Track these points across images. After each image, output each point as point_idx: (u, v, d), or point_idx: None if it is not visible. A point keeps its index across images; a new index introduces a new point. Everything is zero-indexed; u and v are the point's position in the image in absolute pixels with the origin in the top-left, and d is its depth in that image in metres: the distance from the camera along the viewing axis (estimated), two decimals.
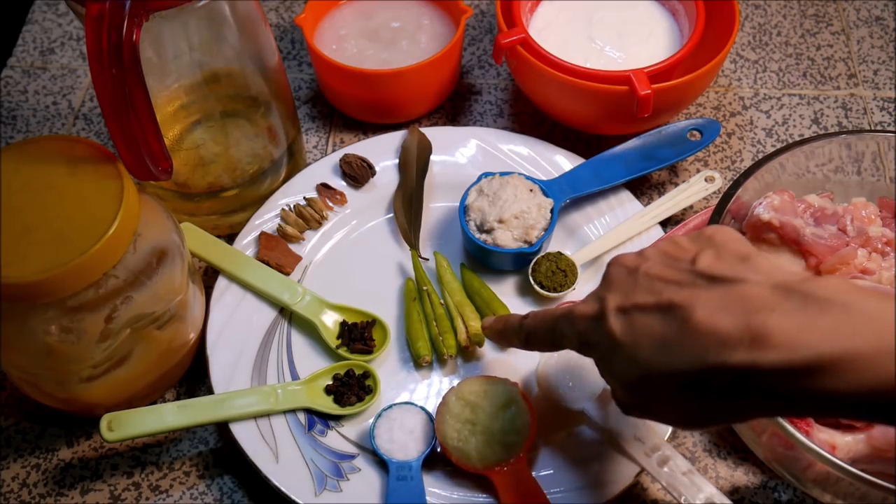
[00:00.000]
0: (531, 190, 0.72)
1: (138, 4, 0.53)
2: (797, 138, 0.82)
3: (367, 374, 0.67)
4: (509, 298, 0.72)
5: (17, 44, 0.92)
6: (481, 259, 0.74)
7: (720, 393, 0.43)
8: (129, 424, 0.61)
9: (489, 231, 0.70)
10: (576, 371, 0.66)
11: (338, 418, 0.66)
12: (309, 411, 0.66)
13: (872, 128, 0.85)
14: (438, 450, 0.63)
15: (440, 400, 0.64)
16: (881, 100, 0.87)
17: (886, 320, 0.40)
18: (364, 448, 0.65)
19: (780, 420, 0.55)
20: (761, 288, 0.43)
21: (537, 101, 0.81)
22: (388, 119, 0.84)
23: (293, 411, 0.65)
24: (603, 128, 0.81)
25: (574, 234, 0.75)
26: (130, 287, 0.58)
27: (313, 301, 0.70)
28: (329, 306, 0.70)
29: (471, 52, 0.91)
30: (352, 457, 0.64)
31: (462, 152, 0.79)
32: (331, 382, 0.67)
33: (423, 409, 0.65)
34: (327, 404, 0.66)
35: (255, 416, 0.64)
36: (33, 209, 0.55)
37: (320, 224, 0.75)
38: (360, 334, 0.69)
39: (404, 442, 0.63)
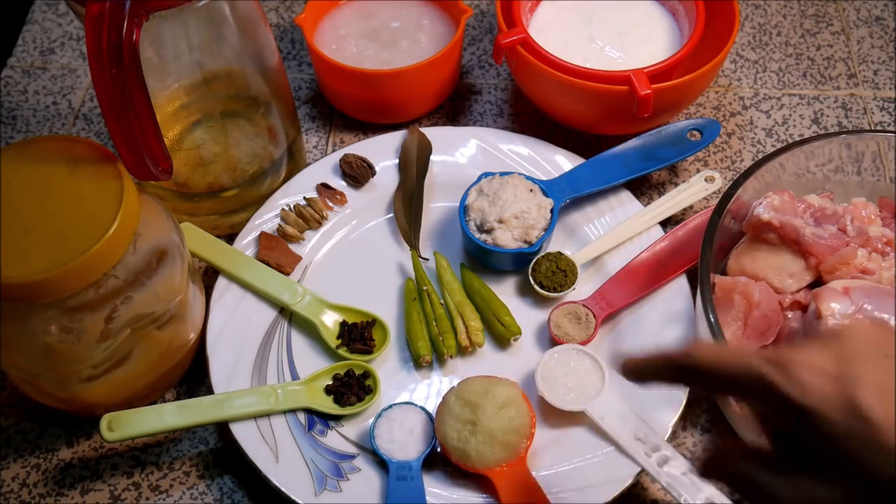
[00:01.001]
0: (531, 190, 0.72)
1: (138, 4, 0.53)
2: (797, 138, 0.82)
3: (367, 374, 0.67)
4: (509, 298, 0.72)
5: (17, 44, 0.92)
6: (481, 259, 0.74)
7: None
8: (129, 424, 0.61)
9: (489, 231, 0.70)
10: (576, 371, 0.66)
11: (338, 418, 0.66)
12: (309, 411, 0.66)
13: (872, 128, 0.85)
14: (438, 450, 0.63)
15: (440, 400, 0.64)
16: (881, 100, 0.87)
17: None
18: (364, 448, 0.65)
19: None
20: None
21: (537, 101, 0.81)
22: (388, 119, 0.84)
23: (293, 411, 0.65)
24: (603, 128, 0.81)
25: (574, 234, 0.75)
26: (130, 287, 0.58)
27: (313, 301, 0.70)
28: (329, 306, 0.70)
29: (471, 52, 0.91)
30: (352, 457, 0.64)
31: (462, 152, 0.79)
32: (331, 382, 0.67)
33: (423, 409, 0.65)
34: (327, 404, 0.66)
35: (255, 416, 0.64)
36: (33, 209, 0.55)
37: (320, 224, 0.75)
38: (360, 334, 0.69)
39: (404, 442, 0.63)
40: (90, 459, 0.67)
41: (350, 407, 0.66)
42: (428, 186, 0.77)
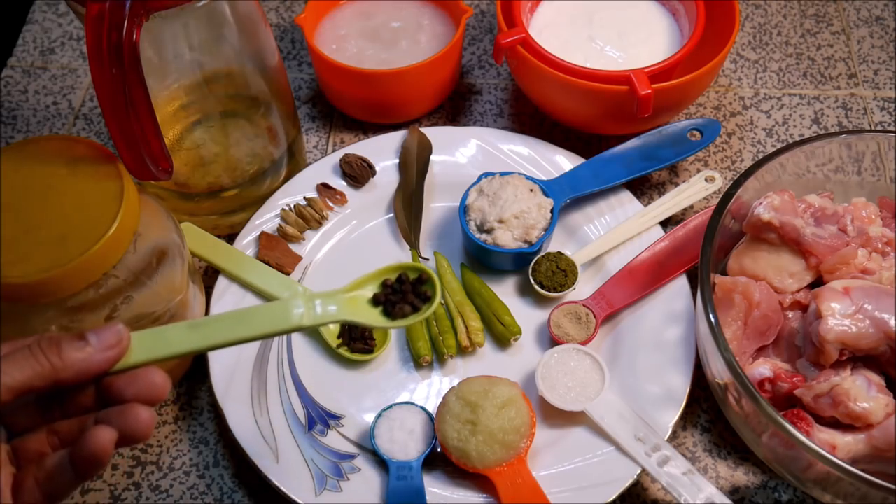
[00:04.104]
0: (531, 190, 0.72)
1: (138, 4, 0.53)
2: (797, 138, 0.82)
3: (424, 279, 0.53)
4: (509, 298, 0.72)
5: (17, 44, 0.92)
6: (481, 259, 0.74)
7: None
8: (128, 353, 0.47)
9: (489, 231, 0.70)
10: (576, 371, 0.66)
11: (338, 417, 0.66)
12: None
13: (872, 128, 0.85)
14: (438, 450, 0.63)
15: (440, 400, 0.64)
16: (881, 100, 0.87)
17: None
18: (364, 448, 0.65)
19: (780, 420, 0.55)
20: None
21: (537, 101, 0.81)
22: (388, 119, 0.84)
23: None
24: (603, 128, 0.81)
25: (574, 234, 0.75)
26: (130, 287, 0.58)
27: None
28: None
29: (471, 52, 0.91)
30: (352, 457, 0.64)
31: (462, 152, 0.79)
32: (378, 291, 0.53)
33: (423, 409, 0.65)
34: (374, 317, 0.52)
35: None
36: (33, 209, 0.55)
37: (320, 224, 0.75)
38: (360, 334, 0.69)
39: (404, 442, 0.63)
40: None
41: (402, 319, 0.52)
42: (428, 186, 0.77)
